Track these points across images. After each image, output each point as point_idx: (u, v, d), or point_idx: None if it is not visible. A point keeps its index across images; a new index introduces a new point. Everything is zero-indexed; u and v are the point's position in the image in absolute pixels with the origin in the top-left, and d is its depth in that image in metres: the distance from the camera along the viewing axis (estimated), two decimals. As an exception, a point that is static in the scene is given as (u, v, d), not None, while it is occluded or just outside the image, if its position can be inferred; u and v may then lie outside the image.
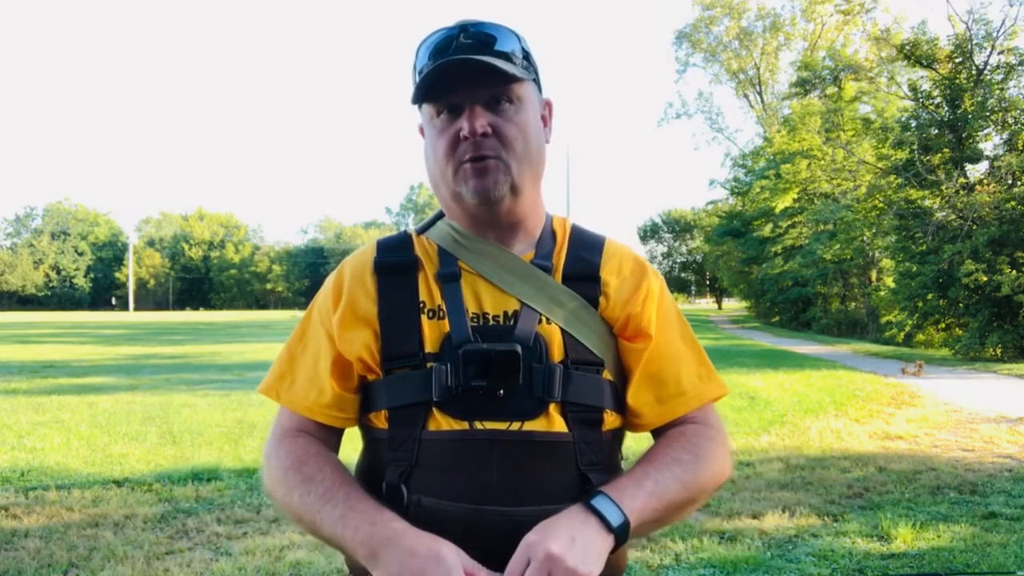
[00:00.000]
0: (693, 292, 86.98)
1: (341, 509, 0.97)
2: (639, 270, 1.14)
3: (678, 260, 76.97)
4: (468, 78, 1.02)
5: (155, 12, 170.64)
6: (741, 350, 17.97)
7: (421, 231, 1.14)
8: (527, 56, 1.09)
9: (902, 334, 19.75)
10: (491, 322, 1.06)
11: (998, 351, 15.44)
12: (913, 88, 17.92)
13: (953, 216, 16.22)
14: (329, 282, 1.14)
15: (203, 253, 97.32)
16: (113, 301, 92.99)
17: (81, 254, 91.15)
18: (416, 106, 1.10)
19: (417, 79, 1.06)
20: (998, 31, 16.44)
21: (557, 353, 1.04)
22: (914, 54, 17.31)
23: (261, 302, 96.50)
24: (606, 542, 0.93)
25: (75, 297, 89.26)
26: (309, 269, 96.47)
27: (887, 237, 20.99)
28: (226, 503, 4.54)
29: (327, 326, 1.10)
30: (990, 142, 17.01)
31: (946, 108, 16.81)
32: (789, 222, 30.49)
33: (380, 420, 1.06)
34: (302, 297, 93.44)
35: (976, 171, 17.53)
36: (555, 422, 1.02)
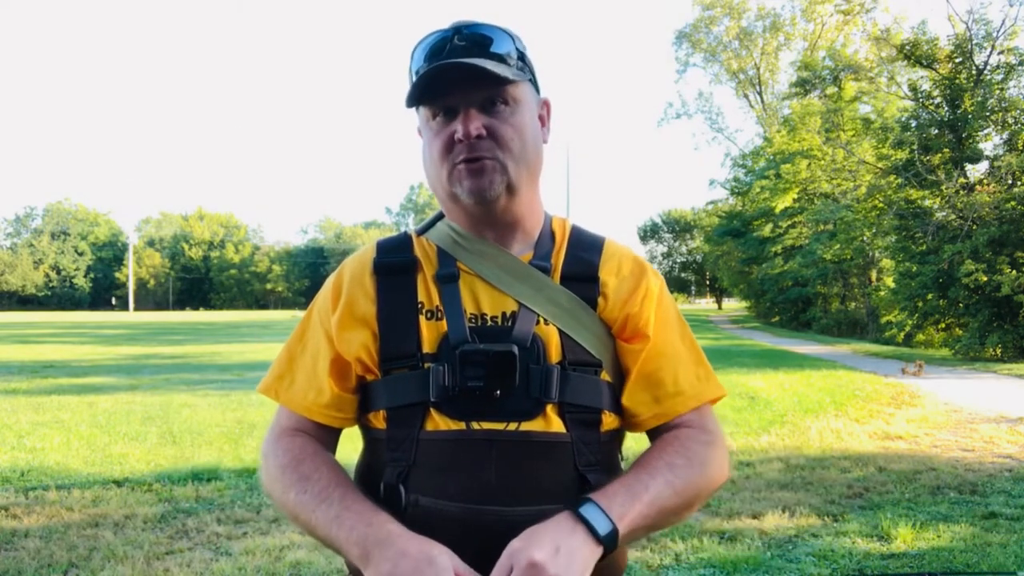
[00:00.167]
0: (693, 292, 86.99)
1: (336, 509, 0.97)
2: (638, 270, 1.13)
3: (678, 260, 77.01)
4: (462, 81, 1.02)
5: (155, 12, 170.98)
6: (741, 350, 17.97)
7: (421, 232, 1.15)
8: (522, 57, 1.09)
9: (902, 334, 19.75)
10: (489, 323, 1.06)
11: (998, 351, 15.44)
12: (913, 88, 17.92)
13: (953, 216, 16.22)
14: (329, 283, 1.14)
15: (203, 253, 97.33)
16: (113, 301, 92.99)
17: (81, 254, 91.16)
18: (413, 108, 1.10)
19: (412, 81, 1.06)
20: (998, 31, 16.46)
21: (555, 354, 1.04)
22: (914, 54, 17.31)
23: (261, 302, 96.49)
24: (593, 551, 0.92)
25: (75, 297, 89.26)
26: (309, 269, 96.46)
27: (887, 237, 20.99)
28: (226, 503, 4.54)
29: (326, 326, 1.10)
30: (990, 142, 17.03)
31: (946, 108, 16.82)
32: (789, 222, 30.51)
33: (379, 420, 1.06)
34: (302, 297, 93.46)
35: (976, 171, 17.56)
36: (553, 423, 1.02)
